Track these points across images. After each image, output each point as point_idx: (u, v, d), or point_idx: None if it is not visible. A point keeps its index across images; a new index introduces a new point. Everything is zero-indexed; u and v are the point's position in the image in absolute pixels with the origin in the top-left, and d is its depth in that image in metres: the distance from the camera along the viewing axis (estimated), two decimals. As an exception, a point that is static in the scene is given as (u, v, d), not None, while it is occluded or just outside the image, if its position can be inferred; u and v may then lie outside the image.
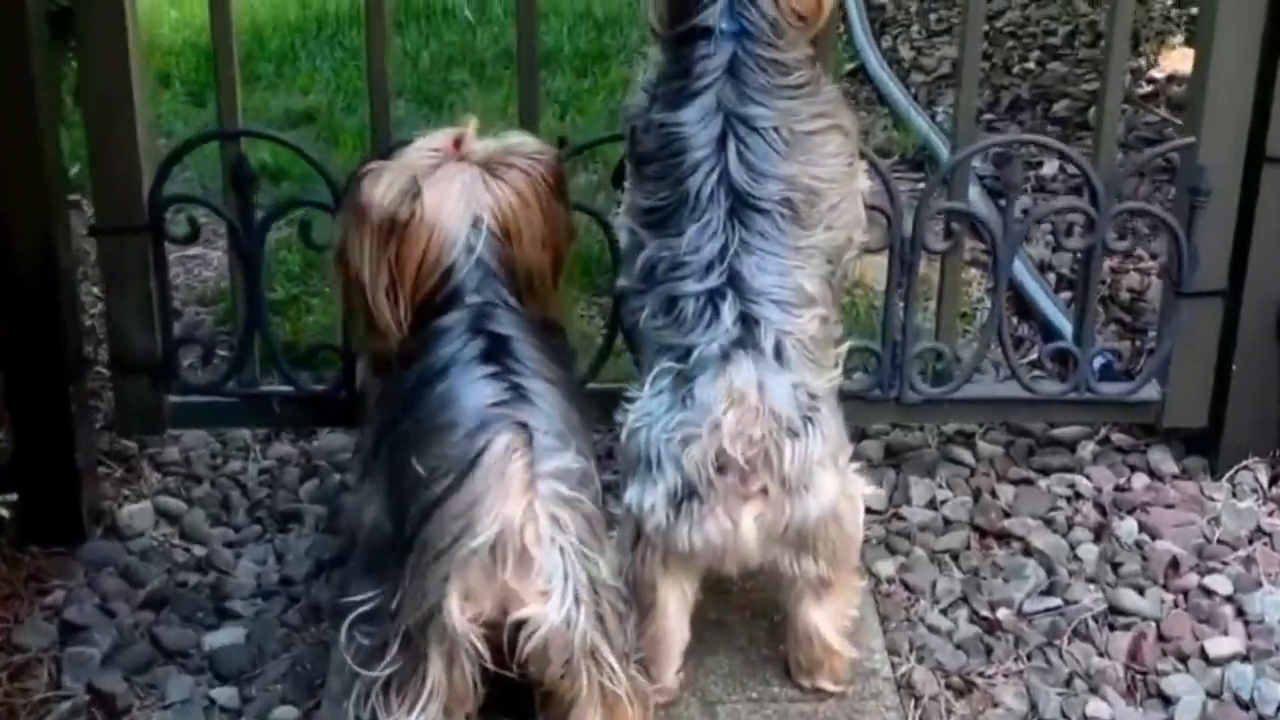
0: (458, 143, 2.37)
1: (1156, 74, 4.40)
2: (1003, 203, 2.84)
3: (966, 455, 3.04)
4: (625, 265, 2.43)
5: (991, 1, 5.09)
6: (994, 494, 2.94)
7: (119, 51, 2.66)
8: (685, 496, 2.21)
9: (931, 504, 2.92)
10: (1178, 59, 4.39)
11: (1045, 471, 3.00)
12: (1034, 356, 3.23)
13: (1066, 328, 3.20)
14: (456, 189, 2.32)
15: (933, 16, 5.21)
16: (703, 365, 2.22)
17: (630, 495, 2.26)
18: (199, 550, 2.84)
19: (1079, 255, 2.91)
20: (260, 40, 5.21)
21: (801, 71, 2.33)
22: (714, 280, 2.26)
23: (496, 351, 2.23)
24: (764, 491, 2.22)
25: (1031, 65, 4.58)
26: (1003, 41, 4.80)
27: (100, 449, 3.01)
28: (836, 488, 2.27)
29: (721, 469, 2.19)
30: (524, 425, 2.06)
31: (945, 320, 2.91)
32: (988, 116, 4.32)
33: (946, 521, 2.88)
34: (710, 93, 2.30)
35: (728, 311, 2.24)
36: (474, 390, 2.17)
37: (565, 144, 2.75)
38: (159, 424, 2.92)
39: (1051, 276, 3.56)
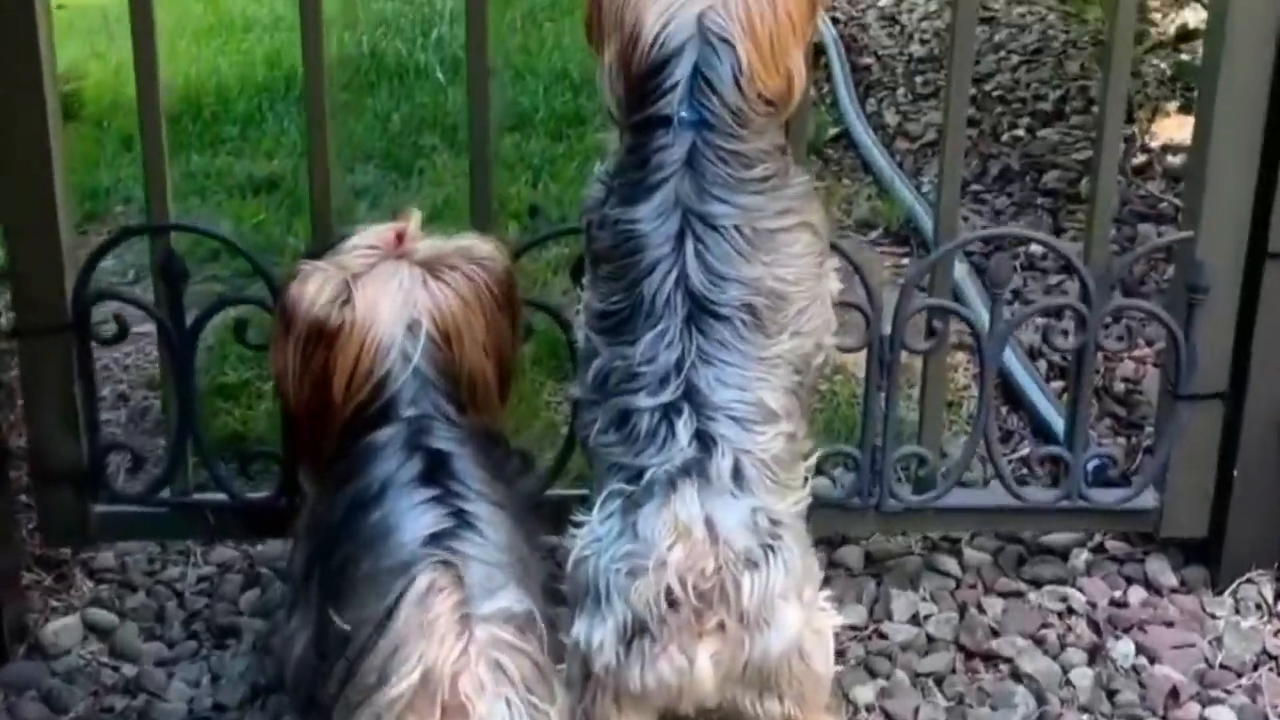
0: (399, 238, 2.19)
1: (1151, 143, 4.22)
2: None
3: (952, 564, 2.85)
4: (580, 373, 2.26)
5: (980, 64, 4.92)
6: (981, 608, 2.76)
7: (38, 130, 2.48)
8: (636, 633, 2.05)
9: (915, 619, 2.74)
10: (1173, 126, 4.23)
11: (1036, 583, 2.82)
12: (1024, 453, 3.05)
13: (1058, 423, 3.03)
14: (393, 290, 2.15)
15: (919, 79, 5.03)
16: (650, 491, 2.06)
17: (578, 630, 2.10)
18: (129, 670, 2.65)
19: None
20: (226, 102, 5.05)
21: (767, 164, 2.17)
22: (669, 394, 2.10)
23: (436, 471, 2.05)
24: (720, 627, 2.06)
25: (1021, 132, 4.40)
26: (991, 106, 4.62)
27: (31, 553, 2.84)
28: (801, 622, 2.11)
29: (673, 604, 2.03)
30: (449, 564, 1.87)
31: (929, 421, 2.73)
32: (975, 187, 4.13)
33: (930, 639, 2.70)
34: (668, 187, 2.14)
35: (683, 429, 2.09)
36: (412, 518, 1.99)
37: (538, 212, 2.61)
38: (85, 535, 2.75)
39: (1042, 364, 3.36)
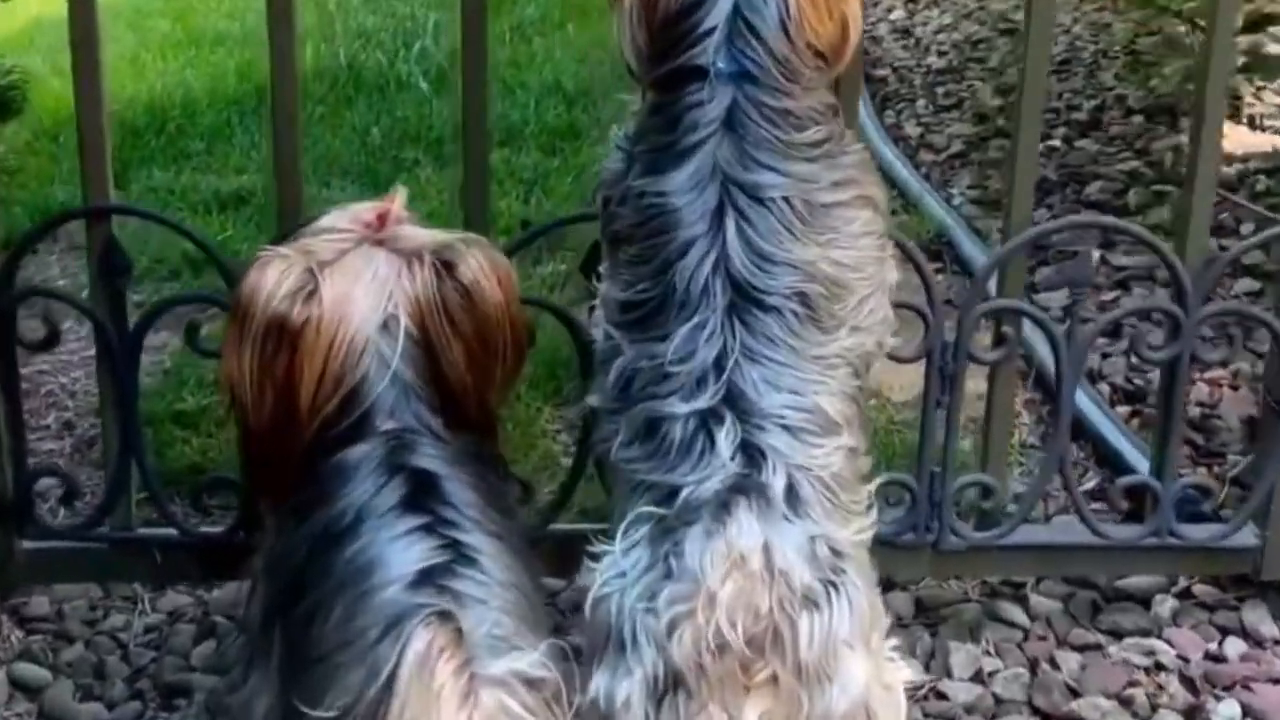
0: (380, 220, 1.82)
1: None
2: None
3: (1017, 613, 2.47)
4: (598, 377, 1.89)
5: (1005, 74, 4.58)
6: (1054, 664, 2.38)
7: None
8: (669, 688, 1.68)
9: (978, 676, 2.36)
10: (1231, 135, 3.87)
11: (1116, 634, 2.44)
12: (1087, 486, 2.68)
13: (1129, 452, 2.69)
14: (367, 281, 1.78)
15: (940, 90, 4.71)
16: (691, 513, 1.69)
17: (597, 684, 1.71)
18: (60, 737, 2.29)
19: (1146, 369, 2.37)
20: (192, 115, 4.71)
21: (820, 126, 1.83)
22: (707, 399, 1.74)
23: (423, 495, 1.69)
24: (773, 680, 1.69)
25: (1057, 143, 4.06)
26: (1023, 118, 4.26)
27: (-49, 598, 2.48)
28: (868, 675, 1.73)
29: (717, 652, 1.66)
30: (446, 615, 1.48)
31: (994, 444, 2.35)
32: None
33: (998, 700, 2.32)
34: (703, 152, 1.79)
35: (725, 440, 1.72)
36: (396, 552, 1.62)
37: (529, 227, 2.26)
38: (9, 576, 2.38)
39: (1104, 387, 2.99)
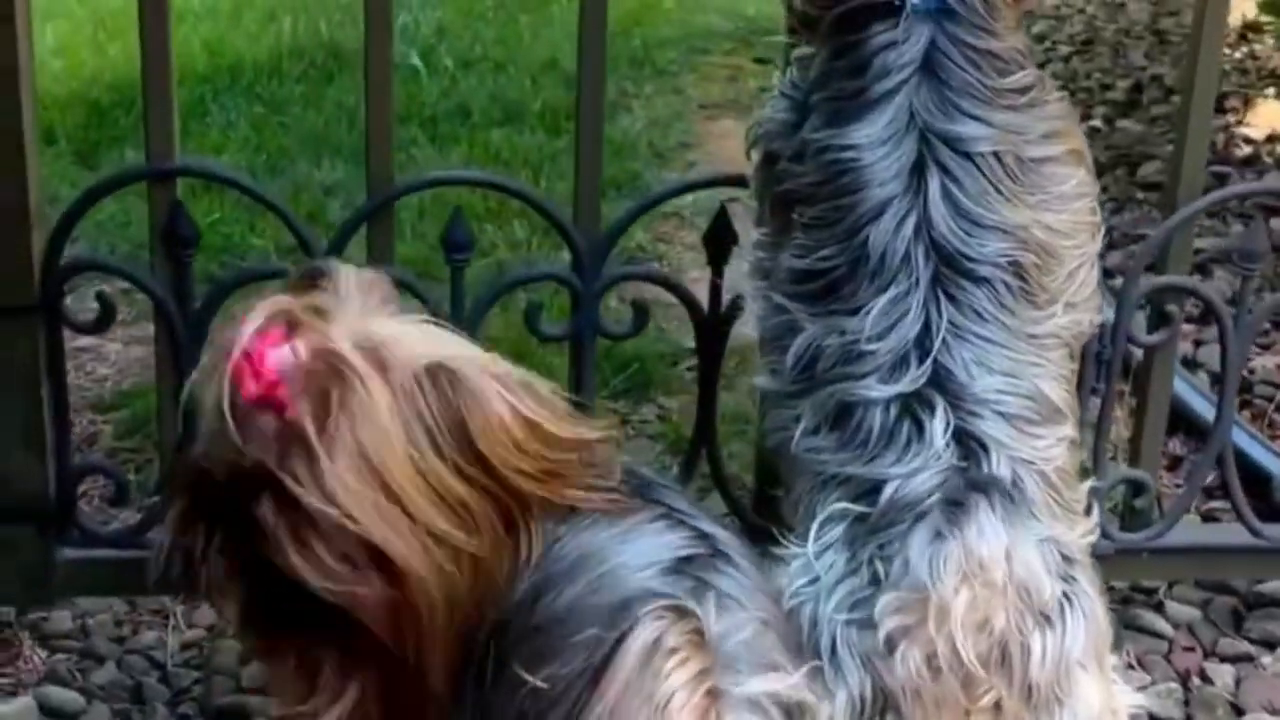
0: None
1: (1251, 133, 3.71)
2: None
3: (1159, 622, 2.27)
4: (764, 355, 1.71)
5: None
6: (1205, 677, 2.18)
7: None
8: (878, 712, 1.50)
9: (1129, 693, 2.13)
10: (1273, 115, 3.72)
11: (1269, 644, 2.25)
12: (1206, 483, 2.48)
13: (1251, 446, 2.47)
14: None
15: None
16: (901, 512, 1.51)
17: None
18: (99, 768, 2.12)
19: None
20: (162, 94, 4.41)
21: (1026, 70, 1.65)
22: (910, 380, 1.56)
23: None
24: (996, 707, 1.51)
25: (1098, 123, 3.87)
26: (1052, 98, 4.09)
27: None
28: (1102, 701, 1.56)
29: (936, 671, 1.48)
30: (685, 611, 1.24)
31: (1148, 437, 2.14)
32: (1060, 182, 3.59)
33: (1153, 719, 2.09)
34: (898, 99, 1.61)
35: (938, 428, 1.54)
36: (648, 536, 1.37)
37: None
38: (47, 589, 2.11)
39: (1203, 375, 2.79)
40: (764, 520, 1.91)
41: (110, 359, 3.02)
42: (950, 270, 1.57)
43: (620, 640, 1.22)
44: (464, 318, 1.99)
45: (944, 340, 1.56)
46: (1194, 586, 2.34)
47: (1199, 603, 2.32)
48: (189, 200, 3.58)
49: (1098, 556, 2.08)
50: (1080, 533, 1.59)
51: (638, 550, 1.33)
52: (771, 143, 1.71)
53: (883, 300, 1.57)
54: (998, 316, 1.57)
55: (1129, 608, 2.30)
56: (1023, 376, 1.57)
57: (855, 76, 1.62)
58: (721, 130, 4.15)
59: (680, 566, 1.32)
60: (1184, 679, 2.19)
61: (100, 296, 2.01)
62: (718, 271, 2.04)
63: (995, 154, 1.59)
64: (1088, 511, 1.63)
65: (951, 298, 1.57)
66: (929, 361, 1.55)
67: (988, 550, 1.46)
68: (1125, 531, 2.14)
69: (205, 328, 1.97)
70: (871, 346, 1.57)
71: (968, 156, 1.58)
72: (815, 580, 1.54)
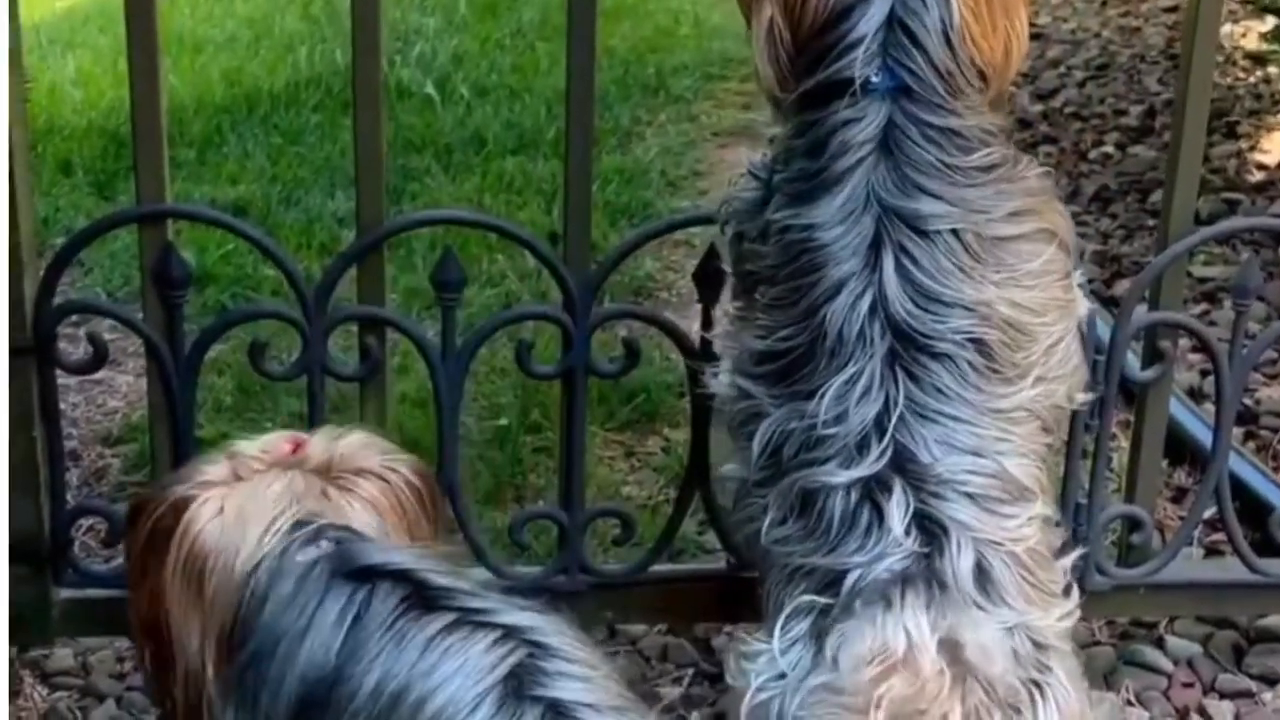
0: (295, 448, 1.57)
1: (1264, 159, 3.69)
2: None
3: (1158, 657, 2.25)
4: (734, 441, 1.69)
5: (1039, 80, 4.39)
6: (1205, 714, 2.16)
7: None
8: None
9: (1127, 729, 2.14)
10: (1284, 141, 3.73)
11: (1268, 679, 2.23)
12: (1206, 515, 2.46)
13: (1253, 477, 2.46)
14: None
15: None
16: (858, 603, 1.50)
17: None
18: (102, 814, 2.06)
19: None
20: (180, 122, 4.44)
21: (992, 148, 1.62)
22: (871, 463, 1.54)
23: None
24: None
25: (1110, 149, 3.87)
26: (1066, 124, 4.10)
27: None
28: None
29: None
30: None
31: (1144, 472, 2.13)
32: (1072, 208, 3.56)
33: (1152, 756, 2.09)
34: (855, 177, 1.59)
35: (896, 512, 1.52)
36: None
37: (559, 240, 2.05)
38: (45, 628, 2.12)
39: (1208, 406, 2.77)
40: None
41: (121, 391, 3.04)
42: (908, 347, 1.55)
43: None
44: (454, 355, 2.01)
45: (904, 419, 1.53)
46: (1193, 621, 2.33)
47: (1200, 637, 2.30)
48: (204, 231, 3.63)
49: (1094, 593, 2.11)
50: (1057, 615, 1.56)
51: (455, 683, 1.29)
52: (740, 222, 1.70)
53: (839, 380, 1.55)
54: (960, 393, 1.55)
55: (1128, 642, 2.29)
56: (988, 455, 1.54)
57: (815, 156, 1.61)
58: (734, 159, 4.14)
59: (510, 689, 1.28)
60: (1183, 715, 2.18)
61: (91, 337, 2.03)
62: (709, 309, 2.03)
63: (954, 231, 1.57)
64: (1067, 592, 1.60)
65: (911, 375, 1.55)
66: (887, 441, 1.53)
67: (905, 641, 1.44)
68: (1122, 567, 2.13)
69: (197, 369, 1.99)
70: (830, 430, 1.55)
71: (924, 234, 1.57)
72: (781, 676, 1.52)
